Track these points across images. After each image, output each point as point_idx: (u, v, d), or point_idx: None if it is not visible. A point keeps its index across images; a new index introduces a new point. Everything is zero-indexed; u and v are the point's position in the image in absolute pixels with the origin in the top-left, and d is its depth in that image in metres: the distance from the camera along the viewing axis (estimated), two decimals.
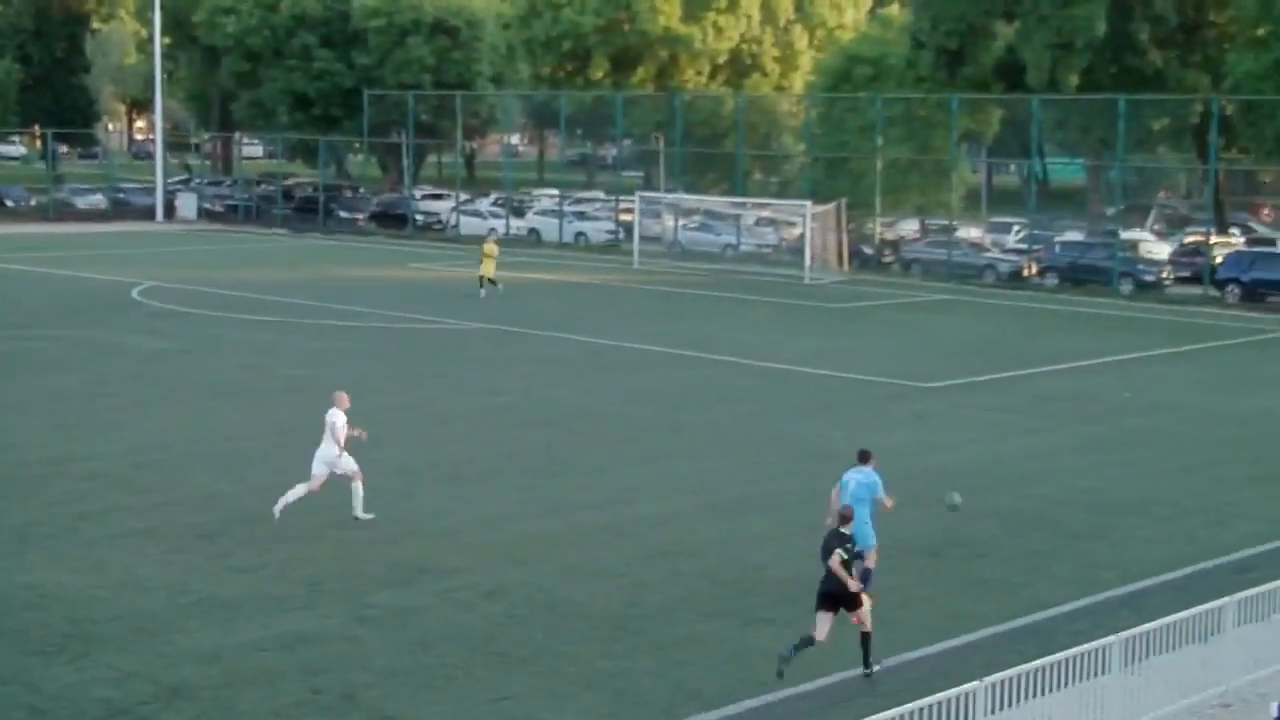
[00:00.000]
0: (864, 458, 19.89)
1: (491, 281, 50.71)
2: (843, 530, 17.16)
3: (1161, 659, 15.99)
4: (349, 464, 22.77)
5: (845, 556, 16.83)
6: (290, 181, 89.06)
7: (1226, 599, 16.65)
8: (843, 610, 16.96)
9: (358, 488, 22.78)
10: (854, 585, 16.82)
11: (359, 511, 22.77)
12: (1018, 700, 14.26)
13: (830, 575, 16.75)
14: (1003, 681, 14.06)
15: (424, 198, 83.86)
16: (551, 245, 71.88)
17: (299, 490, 22.56)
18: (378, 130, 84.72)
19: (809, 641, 16.77)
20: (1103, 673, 15.14)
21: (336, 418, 22.79)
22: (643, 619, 18.88)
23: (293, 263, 63.38)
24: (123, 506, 23.49)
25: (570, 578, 20.44)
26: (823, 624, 16.86)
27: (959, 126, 67.43)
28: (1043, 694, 14.58)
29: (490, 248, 51.69)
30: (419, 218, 79.91)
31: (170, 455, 27.13)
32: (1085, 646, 15.14)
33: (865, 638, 17.02)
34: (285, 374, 35.77)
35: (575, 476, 26.08)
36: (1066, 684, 14.86)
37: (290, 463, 25.67)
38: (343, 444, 22.60)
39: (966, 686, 13.75)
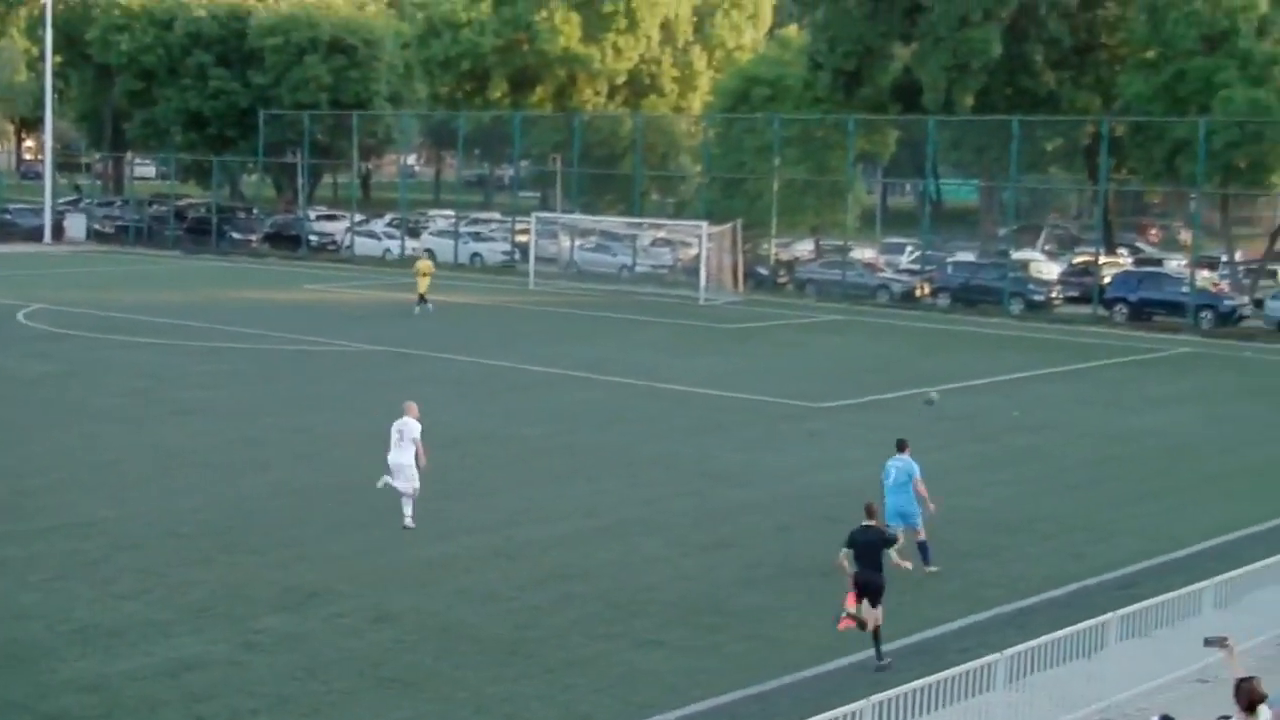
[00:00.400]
0: (901, 446, 23.01)
1: (423, 299, 52.09)
2: (867, 523, 18.71)
3: (1046, 675, 16.14)
4: (415, 476, 23.67)
5: (852, 553, 18.44)
6: (183, 202, 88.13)
7: (1110, 615, 16.85)
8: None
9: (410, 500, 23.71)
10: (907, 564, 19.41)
11: (409, 521, 23.60)
12: (905, 718, 14.34)
13: (868, 556, 18.35)
14: (890, 700, 14.13)
15: (319, 219, 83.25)
16: (447, 266, 71.58)
17: (407, 506, 23.61)
18: (273, 150, 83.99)
19: (862, 626, 18.17)
20: (988, 690, 15.26)
21: (415, 428, 23.84)
22: (534, 642, 18.80)
23: (184, 284, 62.68)
24: (3, 534, 23.05)
25: (461, 601, 20.33)
26: (867, 613, 18.16)
27: (855, 147, 67.95)
28: (929, 711, 14.67)
29: (424, 265, 53.72)
30: (313, 239, 79.36)
31: (52, 480, 26.67)
32: (971, 664, 15.26)
33: (876, 631, 18.17)
34: (173, 397, 35.32)
35: (468, 499, 25.94)
36: (952, 702, 14.95)
37: (177, 487, 25.42)
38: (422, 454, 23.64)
39: (854, 705, 13.80)
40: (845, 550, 18.56)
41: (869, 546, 18.41)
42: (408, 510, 23.62)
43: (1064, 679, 16.39)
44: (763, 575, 21.89)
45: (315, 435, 31.22)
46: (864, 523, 18.73)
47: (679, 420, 34.04)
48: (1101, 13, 69.01)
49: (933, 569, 21.77)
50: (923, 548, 21.93)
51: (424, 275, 52.83)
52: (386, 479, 23.84)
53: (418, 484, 23.71)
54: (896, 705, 14.20)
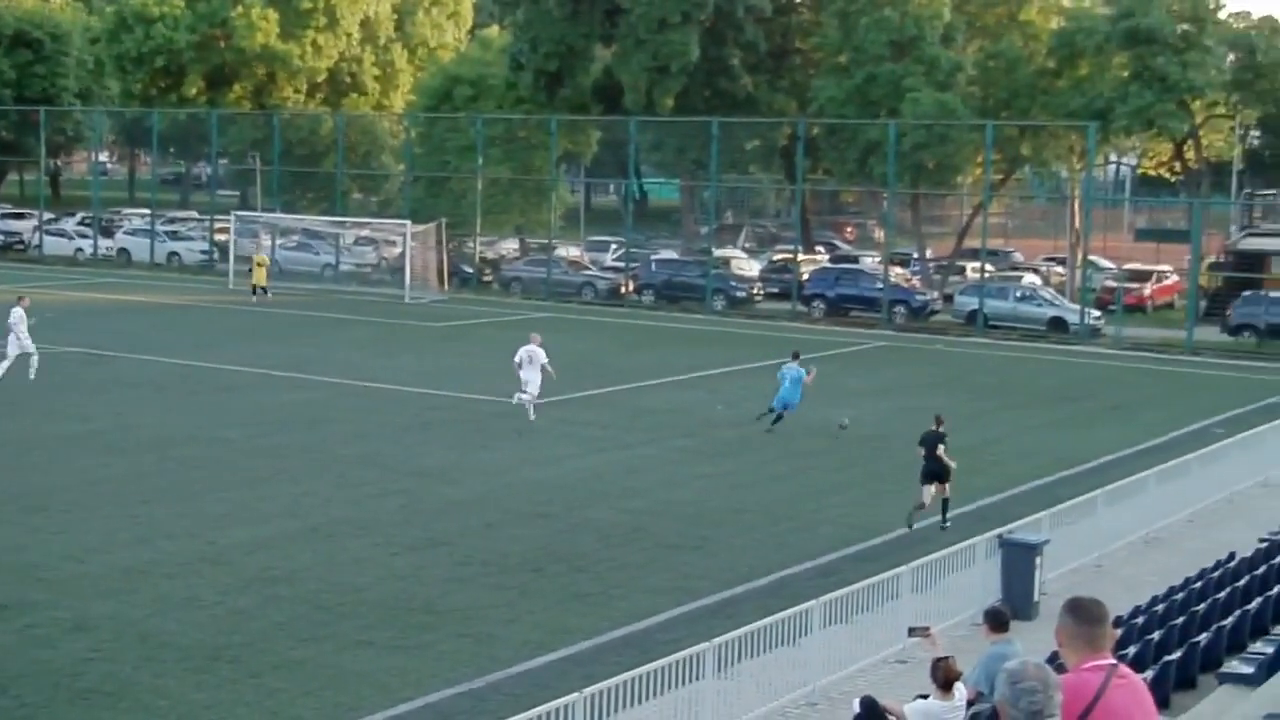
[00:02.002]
0: (795, 355, 34.79)
1: (263, 289, 56.91)
2: (938, 429, 25.64)
3: (753, 663, 16.45)
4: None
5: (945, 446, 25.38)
6: None
7: (812, 602, 17.25)
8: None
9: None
10: (952, 463, 25.45)
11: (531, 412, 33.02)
12: (615, 710, 14.43)
13: (931, 458, 25.19)
14: (601, 692, 14.20)
15: (3, 216, 80.00)
16: (143, 266, 69.61)
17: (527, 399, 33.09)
18: None
19: (920, 506, 25.14)
20: (697, 679, 15.45)
21: (541, 355, 33.56)
22: (239, 647, 18.37)
23: None
24: None
25: (162, 609, 19.74)
26: (926, 494, 25.21)
27: (558, 147, 68.25)
28: (640, 702, 14.79)
29: (260, 257, 59.03)
30: None
31: None
32: (679, 654, 15.44)
33: (946, 502, 25.44)
34: None
35: (167, 504, 25.21)
36: (662, 692, 15.11)
37: None
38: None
39: (565, 699, 13.84)
40: (919, 448, 25.59)
41: (931, 444, 25.32)
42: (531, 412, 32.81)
43: (770, 666, 16.73)
44: (472, 573, 21.81)
45: (4, 441, 29.94)
46: (931, 427, 25.79)
47: (386, 419, 33.69)
48: (796, 19, 70.84)
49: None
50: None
51: (260, 265, 57.78)
52: (520, 395, 33.12)
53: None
54: (607, 697, 14.28)
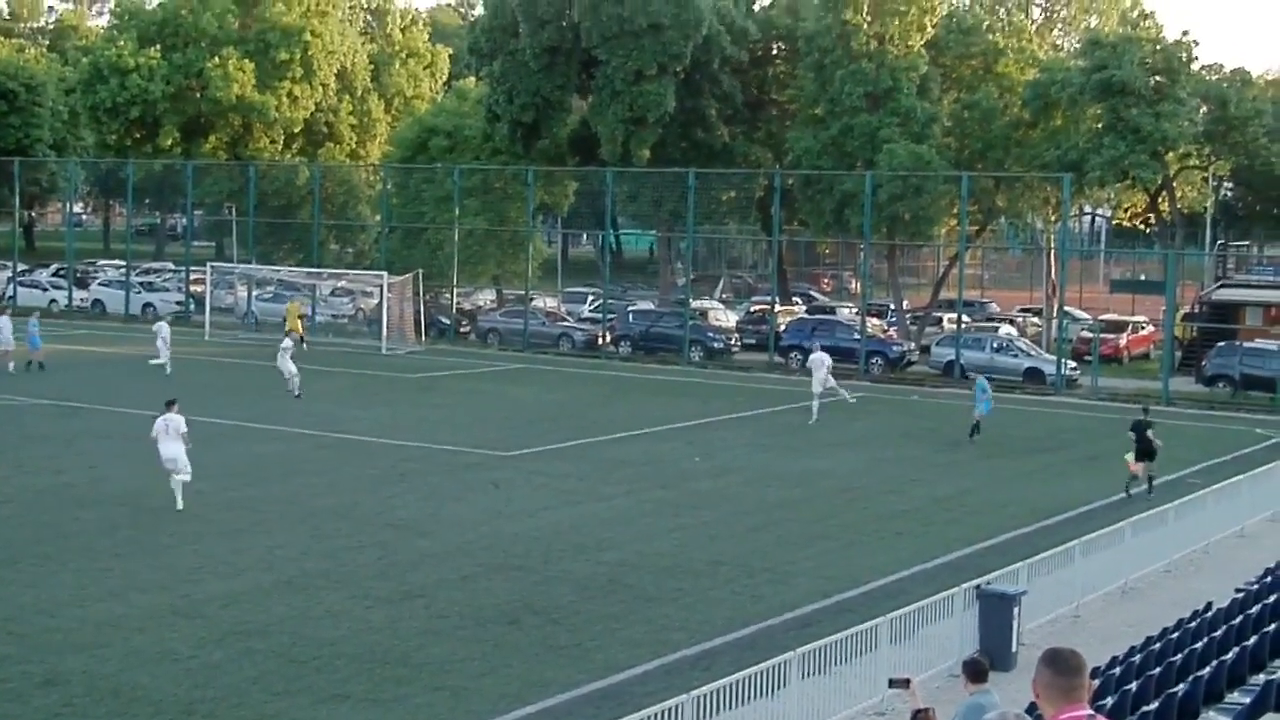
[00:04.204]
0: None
1: (301, 339, 55.53)
2: (1146, 418, 33.02)
3: (731, 715, 16.30)
4: None
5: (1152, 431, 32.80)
6: None
7: (791, 653, 17.15)
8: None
9: None
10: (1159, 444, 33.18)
11: None
12: None
13: (1142, 439, 32.43)
14: None
15: None
16: (117, 317, 69.41)
17: None
18: None
19: (1134, 477, 32.44)
20: None
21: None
22: (212, 701, 18.21)
23: None
24: None
25: (134, 663, 19.55)
26: (1139, 469, 32.50)
27: (535, 198, 68.39)
28: None
29: (293, 307, 59.11)
30: None
31: None
32: (657, 707, 15.33)
33: (1152, 478, 32.54)
34: None
35: (141, 557, 25.03)
36: None
37: None
38: None
39: None
40: (1129, 434, 32.84)
41: (1141, 429, 32.59)
42: None
43: (749, 718, 16.59)
44: (448, 625, 21.67)
45: None
46: (1139, 417, 33.35)
47: (360, 470, 33.56)
48: (772, 70, 71.20)
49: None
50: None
51: (296, 316, 58.34)
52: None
53: None
54: None
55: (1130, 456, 32.89)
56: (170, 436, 28.85)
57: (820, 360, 44.77)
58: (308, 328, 61.03)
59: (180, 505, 28.49)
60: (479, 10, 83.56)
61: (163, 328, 50.30)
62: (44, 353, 49.82)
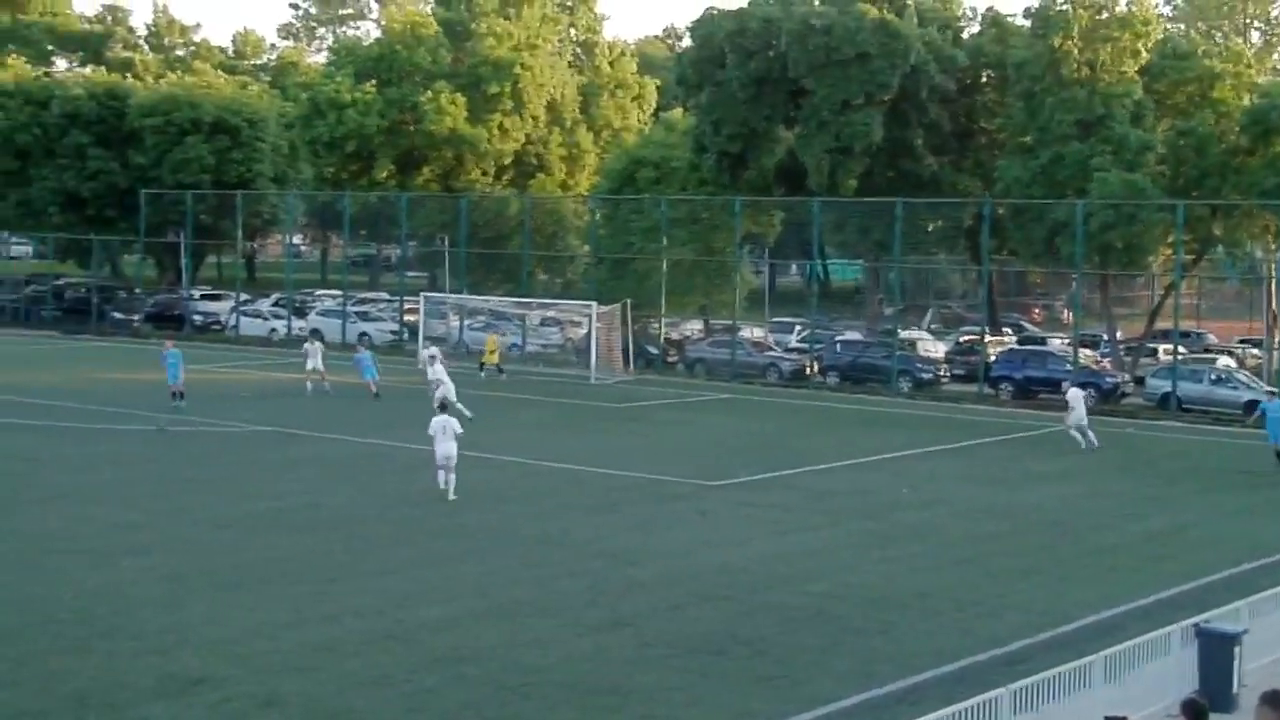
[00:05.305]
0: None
1: (498, 369, 59.11)
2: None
3: None
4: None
5: None
6: (61, 281, 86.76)
7: (1001, 690, 16.87)
8: None
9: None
10: None
11: None
12: None
13: None
14: None
15: (202, 298, 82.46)
16: (334, 346, 70.89)
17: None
18: (155, 230, 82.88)
19: None
20: None
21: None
22: None
23: (62, 365, 61.68)
24: None
25: (350, 686, 19.96)
26: None
27: (741, 228, 68.48)
28: None
29: (491, 340, 61.28)
30: (197, 319, 78.57)
31: None
32: None
33: None
34: (49, 481, 34.59)
35: (355, 581, 25.58)
36: None
37: (52, 573, 24.89)
38: None
39: None
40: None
41: None
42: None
43: None
44: (656, 654, 21.75)
45: (196, 518, 30.66)
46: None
47: (569, 499, 33.89)
48: (980, 99, 70.40)
49: None
50: None
51: (491, 351, 59.98)
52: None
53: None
54: None
55: None
56: (447, 436, 32.91)
57: (1077, 396, 45.32)
58: (508, 357, 62.10)
59: (452, 496, 32.64)
60: (686, 42, 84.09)
61: (316, 349, 53.32)
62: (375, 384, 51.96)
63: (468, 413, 40.56)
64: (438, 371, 47.34)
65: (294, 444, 41.33)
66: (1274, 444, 41.24)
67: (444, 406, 34.62)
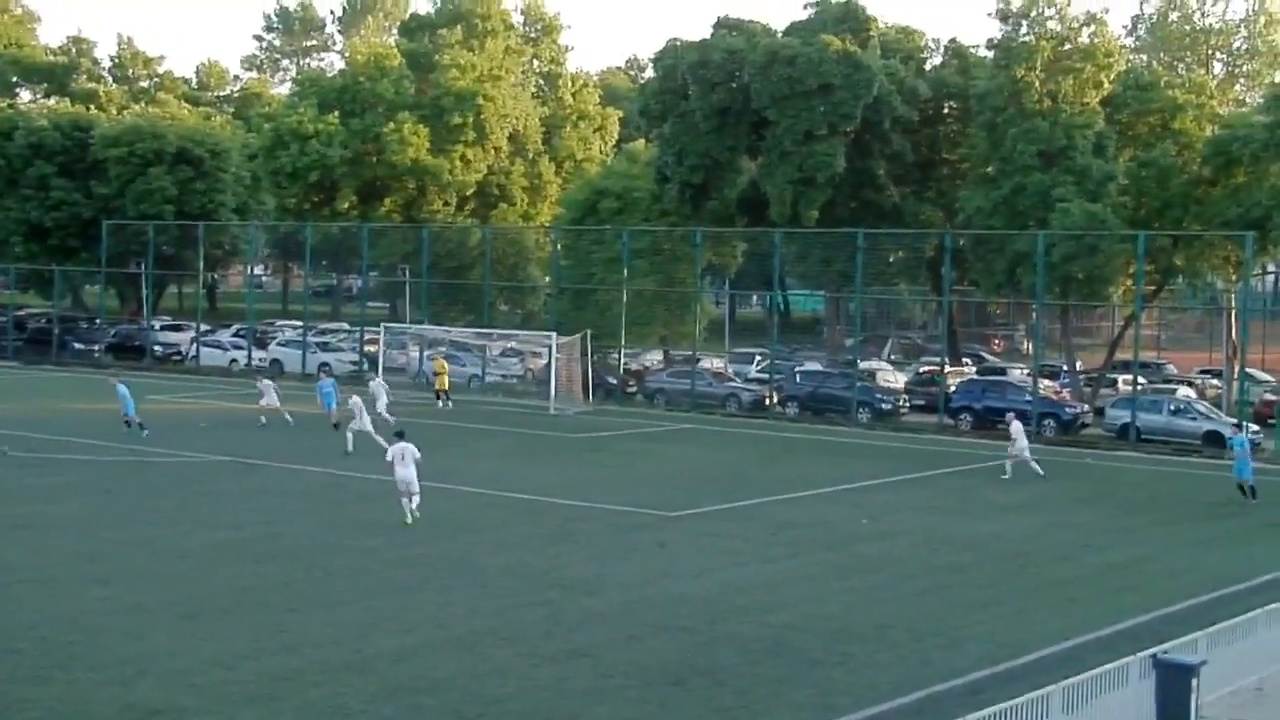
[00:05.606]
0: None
1: (445, 393, 60.19)
2: None
3: None
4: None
5: None
6: (23, 312, 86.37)
7: None
8: None
9: None
10: None
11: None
12: None
13: None
14: None
15: (163, 329, 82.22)
16: (294, 376, 70.85)
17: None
18: (117, 260, 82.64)
19: None
20: None
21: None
22: None
23: (21, 395, 61.36)
24: None
25: (309, 717, 19.85)
26: None
27: (703, 259, 68.62)
28: None
29: (440, 364, 61.95)
30: (158, 349, 78.30)
31: None
32: None
33: None
34: (8, 512, 34.31)
35: (314, 612, 25.45)
36: None
37: (12, 603, 24.71)
38: None
39: None
40: None
41: None
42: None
43: None
44: (614, 685, 21.69)
45: (156, 549, 30.49)
46: None
47: (528, 529, 33.82)
48: (943, 129, 70.84)
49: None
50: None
51: (439, 374, 61.04)
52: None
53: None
54: None
55: None
56: (405, 462, 33.33)
57: (1019, 429, 45.34)
58: (465, 389, 62.54)
59: (409, 520, 33.23)
60: (650, 73, 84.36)
61: (268, 385, 53.60)
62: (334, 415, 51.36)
63: (350, 447, 43.85)
64: (355, 402, 47.48)
65: (254, 474, 41.16)
66: (1236, 477, 41.16)
67: (400, 434, 34.86)
